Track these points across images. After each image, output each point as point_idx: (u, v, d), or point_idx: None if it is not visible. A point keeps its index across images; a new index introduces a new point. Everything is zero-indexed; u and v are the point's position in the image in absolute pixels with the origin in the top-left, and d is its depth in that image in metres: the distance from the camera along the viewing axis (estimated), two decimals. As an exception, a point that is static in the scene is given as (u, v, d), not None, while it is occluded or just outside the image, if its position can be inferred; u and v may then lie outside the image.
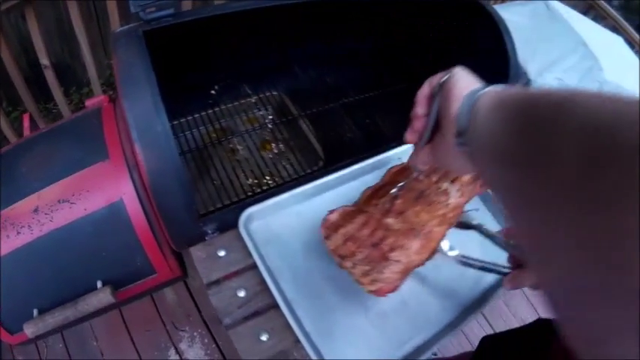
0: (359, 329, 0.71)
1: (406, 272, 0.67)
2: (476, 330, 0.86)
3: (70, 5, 1.20)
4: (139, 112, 0.62)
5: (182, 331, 1.41)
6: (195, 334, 1.41)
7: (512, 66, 0.99)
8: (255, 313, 0.69)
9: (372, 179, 0.85)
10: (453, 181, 0.70)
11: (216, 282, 0.70)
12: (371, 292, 0.65)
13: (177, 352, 1.38)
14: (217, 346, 1.40)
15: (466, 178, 0.72)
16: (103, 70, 1.49)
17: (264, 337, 0.67)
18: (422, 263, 0.69)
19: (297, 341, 0.66)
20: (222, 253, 0.71)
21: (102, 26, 1.46)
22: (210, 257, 0.71)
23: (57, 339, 1.41)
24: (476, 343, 0.86)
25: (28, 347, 1.39)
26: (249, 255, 0.70)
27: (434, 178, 0.71)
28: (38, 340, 0.99)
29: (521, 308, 1.73)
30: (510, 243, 0.66)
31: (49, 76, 1.25)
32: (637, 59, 2.20)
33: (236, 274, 0.71)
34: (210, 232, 0.73)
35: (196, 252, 0.71)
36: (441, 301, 0.77)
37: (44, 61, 1.20)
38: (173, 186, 0.65)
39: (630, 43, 2.37)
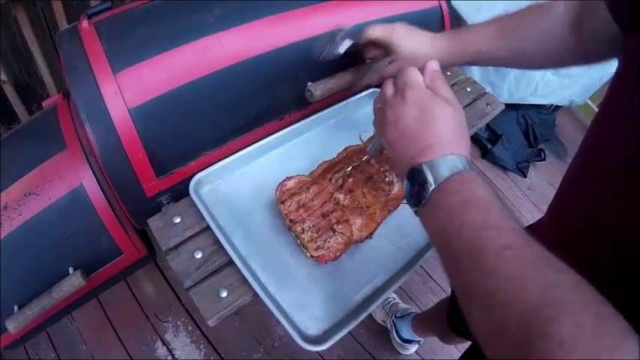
0: (314, 278, 0.76)
1: (347, 245, 0.76)
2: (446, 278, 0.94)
3: (22, 22, 1.25)
4: (86, 94, 0.69)
5: (165, 322, 1.46)
6: (178, 323, 1.46)
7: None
8: (214, 272, 0.75)
9: (311, 137, 0.94)
10: (398, 175, 0.80)
11: (175, 247, 0.76)
12: (313, 257, 0.73)
13: (164, 343, 1.43)
14: (202, 332, 1.45)
15: None
16: (61, 84, 1.54)
17: (223, 294, 0.72)
18: (361, 240, 0.78)
19: (256, 294, 0.71)
20: (177, 220, 0.78)
21: (55, 41, 1.51)
22: (167, 225, 0.77)
23: (48, 349, 1.44)
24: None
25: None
26: (203, 218, 0.76)
27: (383, 168, 0.82)
28: (27, 342, 1.03)
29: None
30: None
31: (9, 91, 1.30)
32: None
33: (192, 237, 0.77)
34: (165, 202, 0.79)
35: (154, 222, 0.77)
36: (395, 243, 0.82)
37: (2, 76, 1.25)
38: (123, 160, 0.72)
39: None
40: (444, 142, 0.46)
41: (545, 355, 0.30)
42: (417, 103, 0.48)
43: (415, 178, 0.45)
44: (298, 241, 0.76)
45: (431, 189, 0.43)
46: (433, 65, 0.52)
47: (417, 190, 0.45)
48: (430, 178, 0.44)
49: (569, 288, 0.33)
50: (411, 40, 0.70)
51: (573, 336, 0.29)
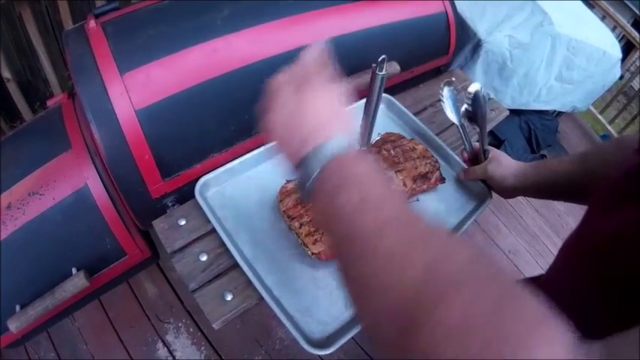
0: (319, 281, 0.76)
1: None
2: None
3: (27, 20, 1.25)
4: (92, 94, 0.69)
5: (167, 323, 1.45)
6: (180, 324, 1.46)
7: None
8: (219, 275, 0.74)
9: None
10: (398, 172, 0.82)
11: (180, 250, 0.76)
12: (313, 254, 0.73)
13: (165, 344, 1.43)
14: (203, 333, 1.45)
15: (412, 172, 0.83)
16: (65, 83, 1.54)
17: (228, 297, 0.72)
18: None
19: (261, 298, 0.71)
20: (182, 222, 0.77)
21: (59, 40, 1.51)
22: (172, 227, 0.77)
23: (48, 348, 1.43)
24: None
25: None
26: (208, 221, 0.76)
27: (383, 165, 0.83)
28: (27, 342, 1.02)
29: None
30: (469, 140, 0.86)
31: (12, 88, 1.30)
32: (589, 12, 2.22)
33: (197, 240, 0.77)
34: (170, 204, 0.79)
35: (159, 224, 0.77)
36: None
37: (6, 74, 1.24)
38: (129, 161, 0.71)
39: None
40: (310, 132, 0.42)
41: (429, 348, 0.23)
42: (283, 104, 0.44)
43: (300, 175, 0.43)
44: (299, 240, 0.75)
45: (309, 184, 0.40)
46: (314, 51, 0.47)
47: (303, 188, 0.42)
48: (309, 170, 0.41)
49: (463, 261, 0.26)
50: (498, 172, 0.81)
51: (465, 319, 0.22)
